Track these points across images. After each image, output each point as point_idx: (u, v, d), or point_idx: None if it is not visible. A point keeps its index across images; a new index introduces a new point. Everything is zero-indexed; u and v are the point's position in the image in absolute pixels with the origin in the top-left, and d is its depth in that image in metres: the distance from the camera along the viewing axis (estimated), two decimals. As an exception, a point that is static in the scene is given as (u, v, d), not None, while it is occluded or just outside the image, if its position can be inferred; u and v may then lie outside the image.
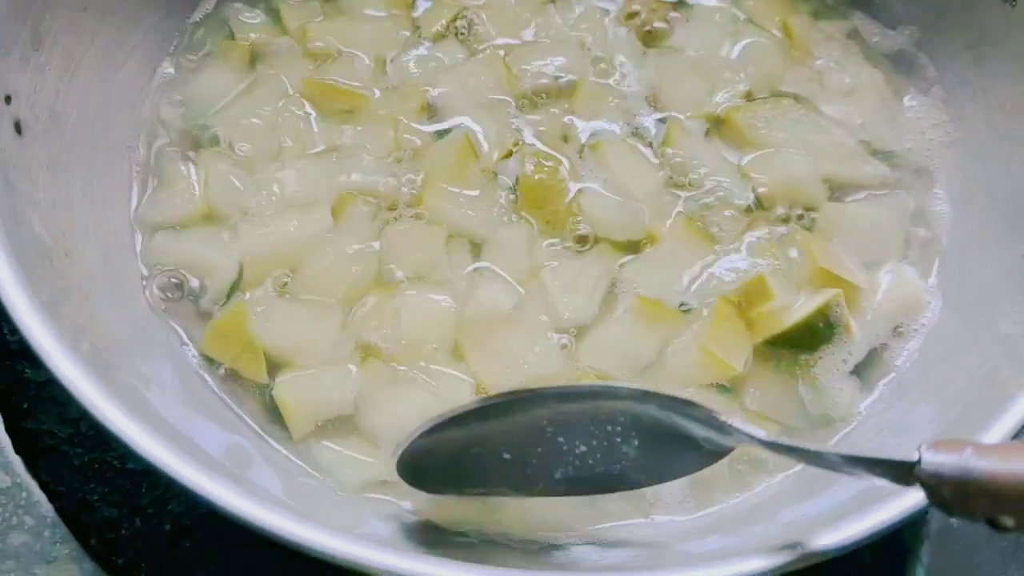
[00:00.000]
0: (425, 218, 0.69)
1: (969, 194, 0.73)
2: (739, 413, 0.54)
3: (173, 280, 0.68)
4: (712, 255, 0.69)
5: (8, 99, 0.58)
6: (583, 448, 0.52)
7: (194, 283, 0.68)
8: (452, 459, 0.54)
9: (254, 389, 0.65)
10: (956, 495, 0.40)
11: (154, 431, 0.47)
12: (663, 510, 0.61)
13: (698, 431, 0.51)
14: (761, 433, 0.49)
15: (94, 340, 0.54)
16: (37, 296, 0.50)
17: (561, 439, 0.52)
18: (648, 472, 0.54)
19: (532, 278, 0.68)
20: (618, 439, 0.52)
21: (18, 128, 0.58)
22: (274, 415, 0.64)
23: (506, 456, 0.53)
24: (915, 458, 0.41)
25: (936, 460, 0.40)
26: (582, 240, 0.69)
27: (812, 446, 0.48)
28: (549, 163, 0.71)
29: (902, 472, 0.42)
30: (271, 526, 0.46)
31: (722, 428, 0.50)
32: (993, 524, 0.39)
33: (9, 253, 0.50)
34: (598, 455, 0.53)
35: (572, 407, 0.52)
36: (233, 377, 0.65)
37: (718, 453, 0.52)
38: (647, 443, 0.52)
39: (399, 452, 0.53)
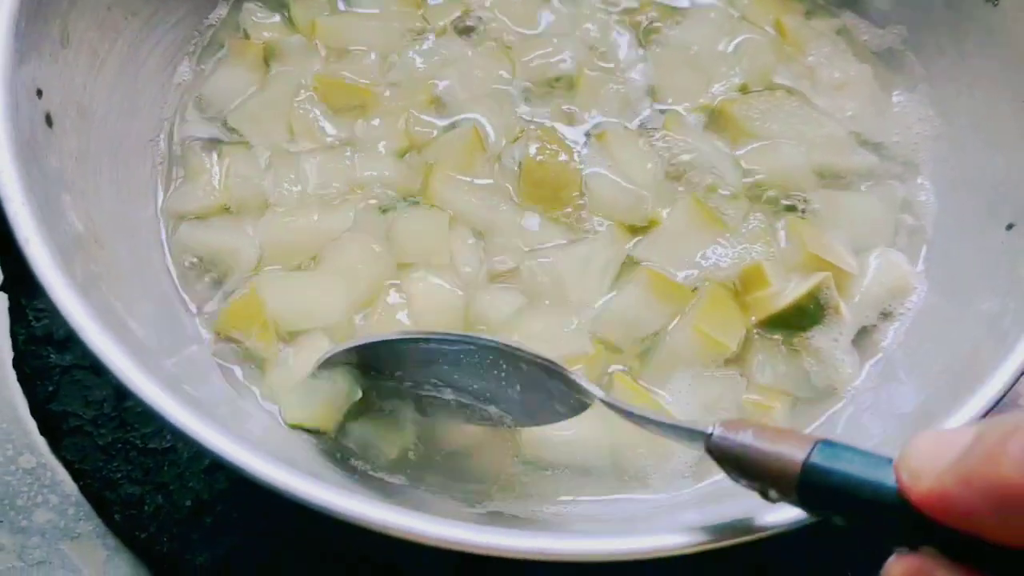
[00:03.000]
0: (432, 205, 0.72)
1: (953, 184, 0.76)
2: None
3: (197, 268, 0.71)
4: (717, 236, 0.71)
5: (39, 93, 0.60)
6: (476, 385, 0.59)
7: (218, 271, 0.70)
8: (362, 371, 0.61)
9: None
10: (734, 468, 0.45)
11: (192, 410, 0.50)
12: (660, 483, 0.64)
13: (560, 387, 0.57)
14: (600, 393, 0.55)
15: (124, 320, 0.56)
16: (72, 278, 0.52)
17: (456, 376, 0.59)
18: (530, 415, 0.60)
19: (540, 261, 0.70)
20: (503, 383, 0.58)
21: (49, 121, 0.61)
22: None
23: (407, 383, 0.61)
24: (708, 431, 0.46)
25: (722, 436, 0.45)
26: (590, 221, 0.72)
27: (637, 409, 0.52)
28: (552, 146, 0.74)
29: (698, 441, 0.47)
30: (296, 490, 0.48)
31: (576, 387, 0.56)
32: (764, 494, 0.44)
33: (45, 236, 0.53)
34: (487, 394, 0.59)
35: (461, 351, 0.58)
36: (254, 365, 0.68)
37: (582, 406, 0.57)
38: (526, 390, 0.58)
39: (317, 363, 0.60)
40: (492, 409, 0.60)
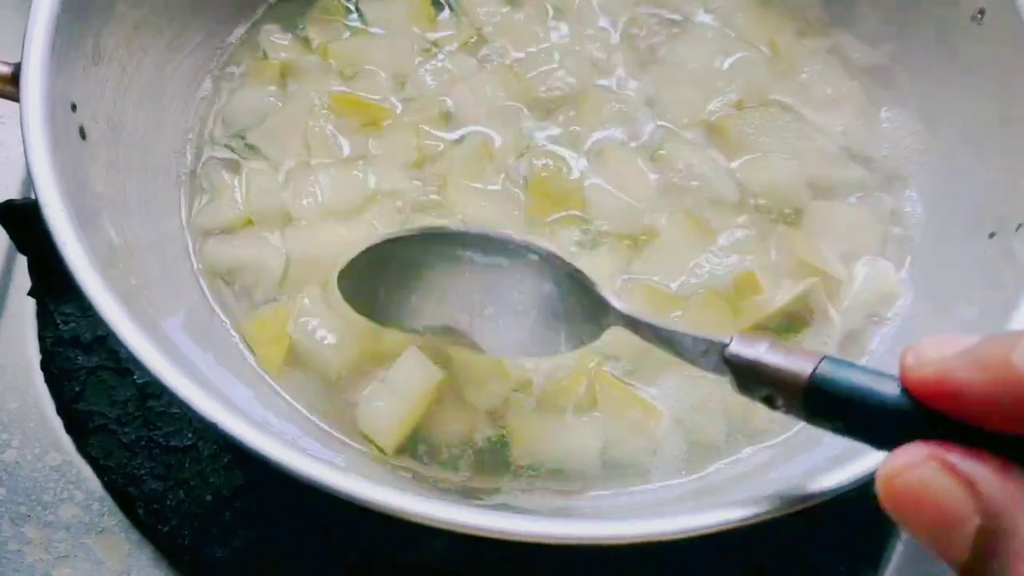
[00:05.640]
0: (444, 211, 0.75)
1: (940, 196, 0.79)
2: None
3: (226, 279, 0.74)
4: (711, 247, 0.74)
5: (74, 107, 0.63)
6: (489, 309, 0.62)
7: (246, 283, 0.73)
8: (383, 283, 0.64)
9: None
10: (747, 376, 0.49)
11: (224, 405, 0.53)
12: (660, 476, 0.68)
13: (579, 304, 0.60)
14: (620, 305, 0.58)
15: (157, 323, 0.59)
16: (108, 281, 0.55)
17: (476, 292, 0.62)
18: (539, 344, 0.63)
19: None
20: (520, 305, 0.62)
21: (82, 133, 0.64)
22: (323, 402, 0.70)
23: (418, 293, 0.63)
24: (726, 341, 0.50)
25: (739, 348, 0.49)
26: (591, 234, 0.75)
27: (655, 320, 0.56)
28: (556, 161, 0.77)
29: (714, 349, 0.51)
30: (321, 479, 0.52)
31: (598, 300, 0.59)
32: (771, 402, 0.48)
33: (82, 241, 0.56)
34: (500, 318, 0.63)
35: (491, 259, 0.61)
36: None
37: (597, 329, 0.60)
38: (541, 317, 0.62)
39: (338, 271, 0.64)
40: (511, 325, 0.63)
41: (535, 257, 0.60)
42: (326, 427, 0.69)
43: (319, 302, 0.72)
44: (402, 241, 0.62)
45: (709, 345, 0.51)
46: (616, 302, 0.58)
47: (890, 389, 0.42)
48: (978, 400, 0.37)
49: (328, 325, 0.71)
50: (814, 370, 0.45)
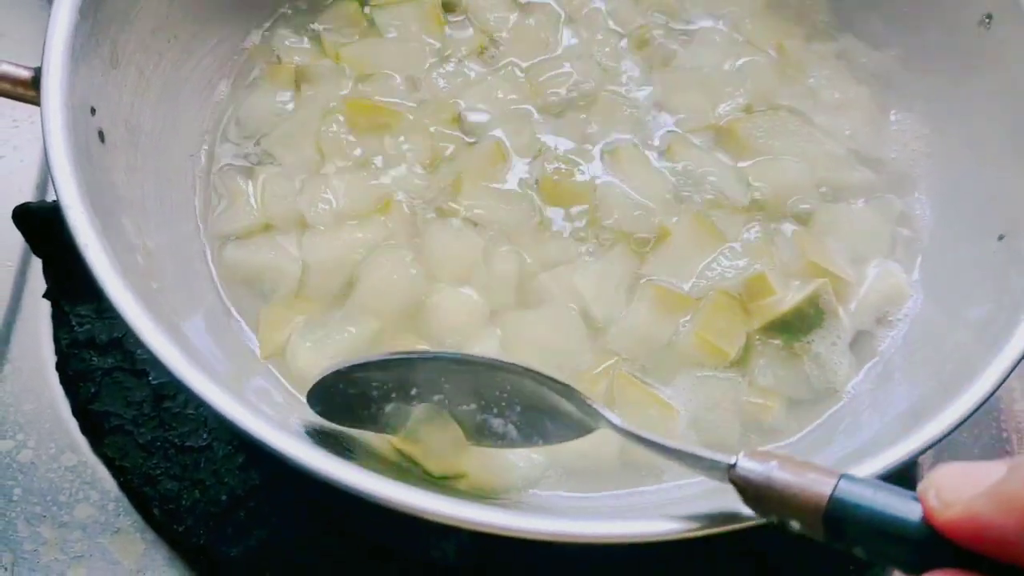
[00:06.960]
0: (461, 216, 0.75)
1: (948, 199, 0.80)
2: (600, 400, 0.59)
3: (243, 283, 0.74)
4: (721, 248, 0.75)
5: (93, 111, 0.64)
6: (472, 405, 0.60)
7: (264, 287, 0.74)
8: (358, 397, 0.60)
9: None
10: (757, 498, 0.46)
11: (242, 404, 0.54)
12: (672, 476, 0.68)
13: (569, 409, 0.58)
14: (616, 420, 0.56)
15: (176, 323, 0.60)
16: (128, 280, 0.56)
17: (455, 394, 0.60)
18: (525, 436, 0.61)
19: (559, 273, 0.74)
20: (503, 404, 0.59)
21: (101, 136, 0.65)
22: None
23: (413, 398, 0.60)
24: (732, 462, 0.47)
25: (747, 467, 0.47)
26: (603, 236, 0.76)
27: (656, 437, 0.53)
28: (568, 164, 0.78)
29: (721, 471, 0.48)
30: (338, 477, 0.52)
31: (588, 410, 0.57)
32: (784, 526, 0.45)
33: (103, 242, 0.56)
34: (484, 414, 0.60)
35: (466, 370, 0.59)
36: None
37: (586, 429, 0.58)
38: (526, 411, 0.59)
39: (312, 386, 0.60)
40: (497, 422, 0.61)
41: (518, 373, 0.57)
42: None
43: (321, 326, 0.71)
44: (372, 365, 0.59)
45: (713, 464, 0.49)
46: (613, 417, 0.56)
47: (912, 514, 0.41)
48: (1010, 542, 0.37)
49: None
50: (832, 492, 0.43)
